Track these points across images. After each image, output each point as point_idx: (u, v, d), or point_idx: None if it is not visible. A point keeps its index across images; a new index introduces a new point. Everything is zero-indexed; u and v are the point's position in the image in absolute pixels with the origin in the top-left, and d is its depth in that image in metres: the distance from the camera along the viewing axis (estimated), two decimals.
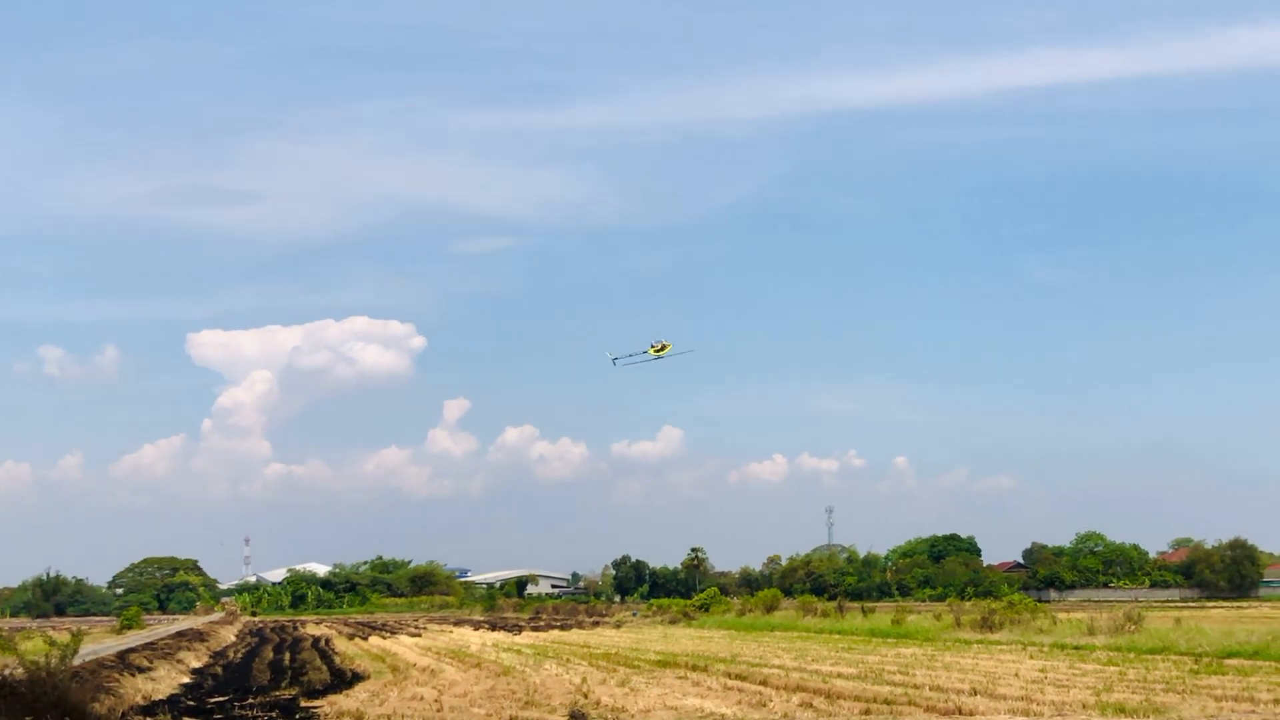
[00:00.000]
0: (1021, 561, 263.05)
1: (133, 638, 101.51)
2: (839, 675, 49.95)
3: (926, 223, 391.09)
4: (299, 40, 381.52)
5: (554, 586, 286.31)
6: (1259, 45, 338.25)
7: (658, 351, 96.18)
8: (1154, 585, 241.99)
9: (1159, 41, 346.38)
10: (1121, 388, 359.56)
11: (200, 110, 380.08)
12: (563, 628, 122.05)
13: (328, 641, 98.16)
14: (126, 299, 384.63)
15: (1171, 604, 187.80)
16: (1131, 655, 56.97)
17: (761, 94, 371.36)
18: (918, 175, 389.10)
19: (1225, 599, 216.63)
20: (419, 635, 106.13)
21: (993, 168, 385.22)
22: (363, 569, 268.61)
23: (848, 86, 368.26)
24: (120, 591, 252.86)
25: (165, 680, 57.58)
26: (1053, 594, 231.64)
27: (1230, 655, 54.28)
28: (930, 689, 43.48)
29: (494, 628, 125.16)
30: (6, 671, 35.44)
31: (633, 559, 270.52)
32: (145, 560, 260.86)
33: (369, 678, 56.35)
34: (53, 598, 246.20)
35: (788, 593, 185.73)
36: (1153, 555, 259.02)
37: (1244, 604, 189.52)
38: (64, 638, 41.98)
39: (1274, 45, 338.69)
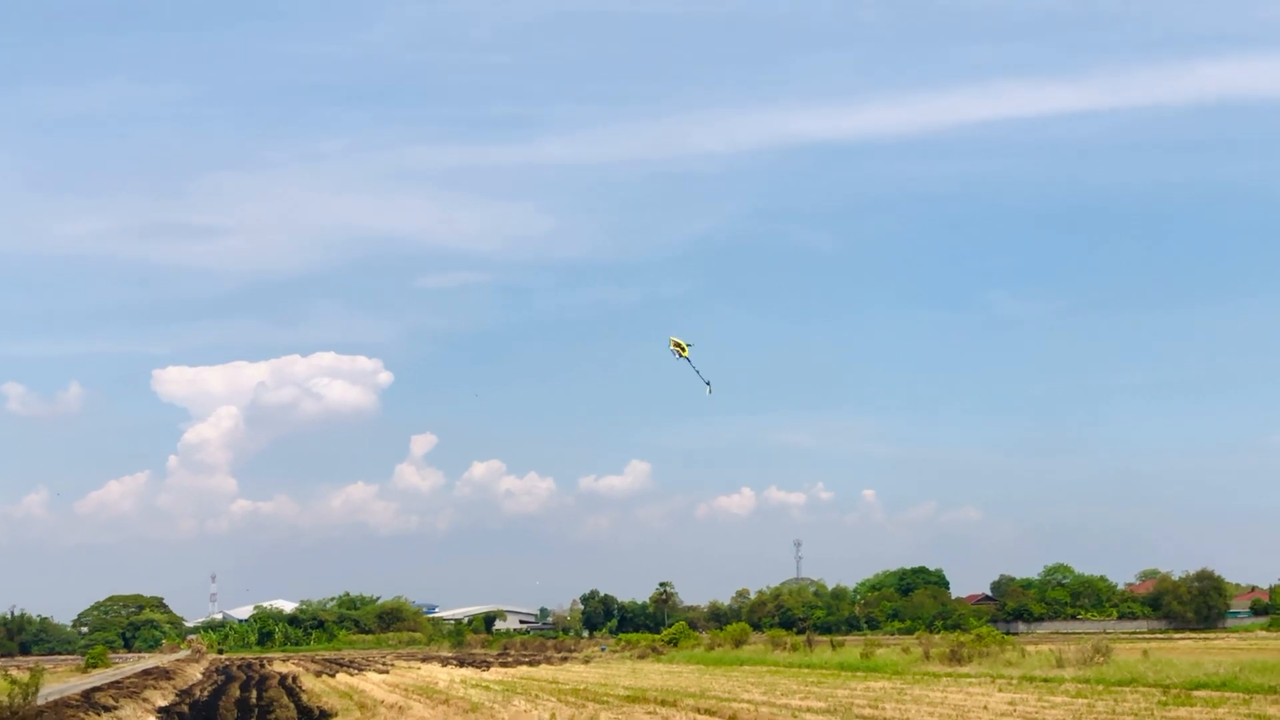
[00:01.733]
0: (990, 594, 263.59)
1: (98, 676, 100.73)
2: (808, 709, 49.85)
3: (893, 256, 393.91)
4: (263, 76, 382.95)
5: (522, 622, 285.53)
6: (1221, 79, 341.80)
7: (679, 348, 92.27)
8: (1122, 617, 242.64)
9: (1122, 75, 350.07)
10: (1088, 420, 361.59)
11: (164, 146, 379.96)
12: (531, 663, 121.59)
13: (295, 679, 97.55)
14: (91, 335, 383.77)
15: (1139, 635, 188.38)
16: (1100, 687, 57.01)
17: (728, 129, 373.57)
18: (883, 209, 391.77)
19: (1193, 630, 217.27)
20: (386, 672, 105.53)
21: (958, 201, 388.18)
22: (330, 605, 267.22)
23: (814, 121, 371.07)
24: (85, 630, 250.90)
25: (131, 719, 57.12)
26: (1021, 626, 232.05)
27: (1198, 687, 54.38)
28: None
29: (462, 664, 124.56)
30: None
31: (601, 594, 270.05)
32: (110, 598, 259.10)
33: (336, 715, 55.99)
34: (17, 636, 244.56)
35: (756, 626, 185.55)
36: (1120, 587, 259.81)
37: (1211, 635, 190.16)
38: (24, 676, 41.63)
39: (1236, 79, 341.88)
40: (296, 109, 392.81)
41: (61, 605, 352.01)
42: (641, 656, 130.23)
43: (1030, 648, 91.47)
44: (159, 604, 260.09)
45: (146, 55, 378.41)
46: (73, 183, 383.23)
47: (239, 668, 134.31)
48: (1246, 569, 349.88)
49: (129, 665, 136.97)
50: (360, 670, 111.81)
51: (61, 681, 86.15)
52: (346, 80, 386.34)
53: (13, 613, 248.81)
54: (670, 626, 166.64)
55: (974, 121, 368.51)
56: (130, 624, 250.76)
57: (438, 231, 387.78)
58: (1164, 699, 49.73)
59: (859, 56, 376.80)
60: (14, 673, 69.39)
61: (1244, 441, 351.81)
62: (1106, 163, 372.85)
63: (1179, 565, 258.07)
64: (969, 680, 66.78)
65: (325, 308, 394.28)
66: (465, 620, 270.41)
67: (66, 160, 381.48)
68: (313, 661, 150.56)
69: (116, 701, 62.58)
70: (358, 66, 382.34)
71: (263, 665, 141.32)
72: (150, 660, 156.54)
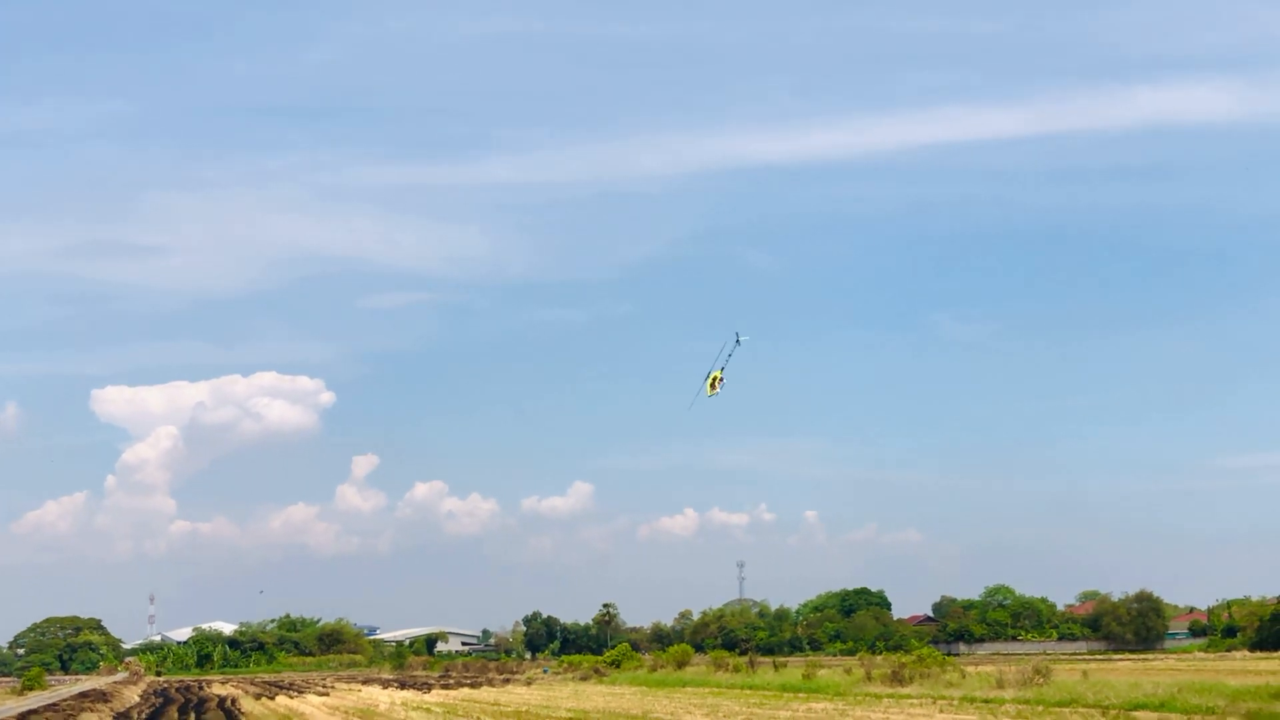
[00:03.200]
0: (931, 615, 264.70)
1: (34, 699, 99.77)
2: None
3: (836, 278, 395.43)
4: (205, 94, 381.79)
5: (464, 644, 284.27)
6: (1159, 104, 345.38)
7: (713, 386, 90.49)
8: (1062, 638, 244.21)
9: (1062, 100, 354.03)
10: (1028, 442, 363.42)
11: (105, 164, 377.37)
12: (473, 685, 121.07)
13: (234, 701, 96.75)
14: (28, 355, 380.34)
15: (1079, 656, 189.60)
16: (1040, 708, 57.28)
17: (674, 150, 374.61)
18: (828, 232, 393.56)
19: (1132, 651, 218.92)
20: (327, 694, 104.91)
21: (902, 224, 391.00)
22: (270, 627, 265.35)
23: (759, 144, 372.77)
24: (22, 652, 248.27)
25: None
26: (962, 647, 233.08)
27: (1137, 707, 54.71)
28: None
29: (403, 686, 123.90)
30: None
31: (544, 615, 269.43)
32: (47, 620, 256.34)
33: None
34: None
35: (699, 648, 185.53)
36: (1060, 608, 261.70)
37: (1150, 656, 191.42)
38: None
39: (1174, 104, 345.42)
40: (239, 128, 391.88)
41: None
42: (584, 678, 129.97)
43: (971, 669, 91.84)
44: (97, 626, 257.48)
45: (88, 73, 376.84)
46: (11, 201, 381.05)
47: (177, 690, 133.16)
48: (1185, 591, 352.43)
49: (66, 687, 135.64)
50: (300, 693, 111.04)
51: None
52: (289, 100, 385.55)
53: None
54: (613, 648, 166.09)
55: (917, 145, 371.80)
56: (67, 646, 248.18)
57: (381, 251, 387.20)
58: None
59: (802, 80, 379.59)
60: None
61: (1183, 464, 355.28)
62: (1047, 186, 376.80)
63: (1118, 587, 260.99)
64: (910, 701, 66.97)
65: (267, 328, 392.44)
66: (406, 642, 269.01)
67: (5, 178, 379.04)
68: (252, 684, 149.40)
69: None
70: (301, 86, 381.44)
71: (201, 688, 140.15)
72: (88, 682, 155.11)
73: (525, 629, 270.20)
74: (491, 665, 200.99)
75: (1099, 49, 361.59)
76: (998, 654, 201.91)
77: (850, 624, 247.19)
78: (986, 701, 62.97)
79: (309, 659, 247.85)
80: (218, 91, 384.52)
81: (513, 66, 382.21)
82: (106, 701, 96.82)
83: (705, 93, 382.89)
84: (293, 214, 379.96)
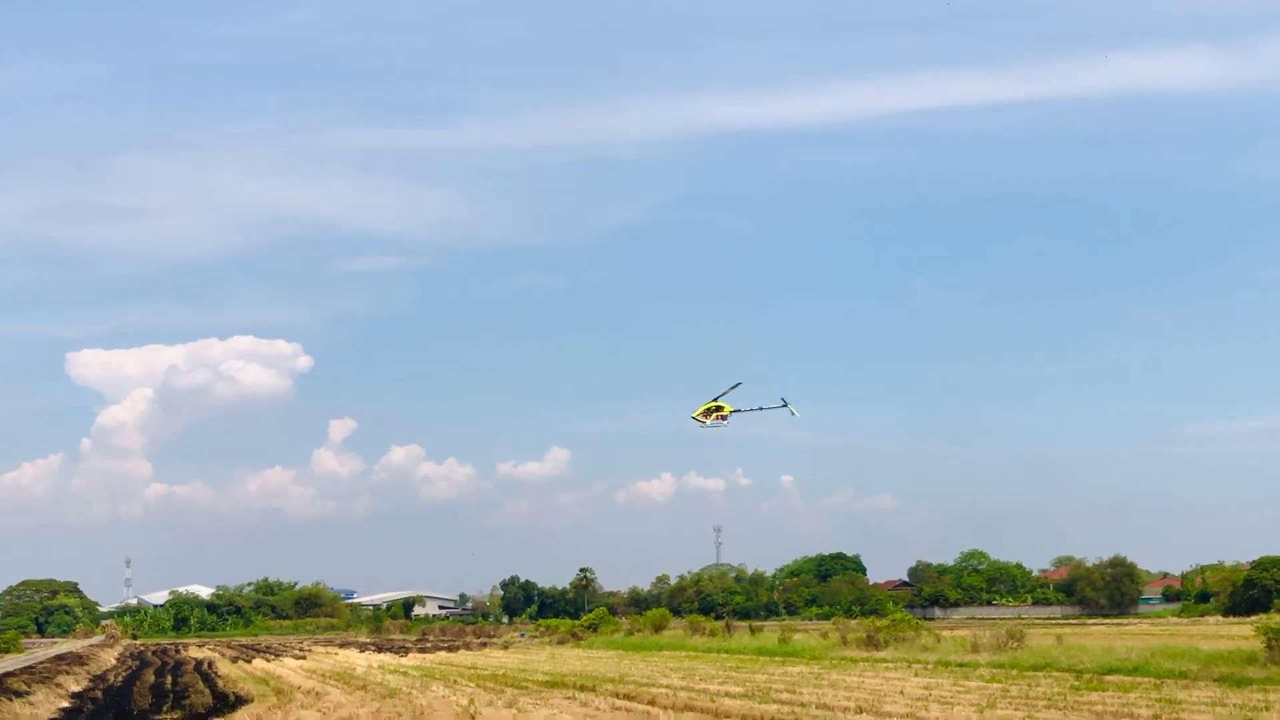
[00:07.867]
0: (906, 580, 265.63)
1: (10, 661, 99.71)
2: (726, 694, 50.06)
3: (814, 244, 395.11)
4: (180, 55, 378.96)
5: (441, 608, 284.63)
6: (1138, 71, 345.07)
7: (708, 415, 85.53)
8: (1036, 603, 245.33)
9: (1041, 66, 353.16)
10: (1003, 408, 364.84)
11: (80, 126, 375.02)
12: (450, 649, 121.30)
13: (210, 664, 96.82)
14: (2, 317, 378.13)
15: (1053, 621, 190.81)
16: (1014, 672, 57.61)
17: (651, 115, 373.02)
18: (805, 197, 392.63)
19: (1106, 616, 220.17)
20: (304, 657, 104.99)
21: (879, 190, 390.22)
22: (247, 591, 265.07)
23: (737, 109, 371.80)
24: None
25: (44, 705, 56.48)
26: (937, 612, 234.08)
27: (1110, 671, 55.06)
28: (817, 707, 43.72)
29: (380, 649, 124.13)
30: None
31: (521, 579, 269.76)
32: (23, 583, 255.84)
33: (252, 701, 55.61)
34: None
35: (676, 612, 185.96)
36: (1035, 573, 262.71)
37: (1124, 621, 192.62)
38: None
39: (1153, 71, 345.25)
40: (215, 90, 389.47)
41: None
42: (561, 642, 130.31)
43: (946, 633, 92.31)
44: (73, 589, 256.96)
45: (62, 34, 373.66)
46: None
47: (154, 653, 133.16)
48: (1159, 556, 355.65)
49: (42, 650, 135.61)
50: (277, 656, 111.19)
51: None
52: (266, 61, 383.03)
53: None
54: (590, 612, 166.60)
55: (895, 111, 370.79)
56: (44, 609, 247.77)
57: (358, 215, 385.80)
58: (1077, 684, 50.33)
59: (781, 45, 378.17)
60: None
61: (1158, 430, 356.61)
62: (1024, 153, 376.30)
63: (1093, 552, 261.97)
64: (885, 665, 67.32)
65: (243, 291, 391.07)
66: (384, 606, 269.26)
67: None
68: (229, 647, 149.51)
69: (29, 686, 61.93)
70: (277, 47, 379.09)
71: (178, 651, 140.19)
72: (64, 645, 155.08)
73: (503, 593, 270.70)
74: (469, 629, 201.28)
75: (1078, 15, 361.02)
76: (972, 618, 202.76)
77: (826, 589, 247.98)
78: (961, 665, 63.32)
79: (286, 622, 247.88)
80: (193, 53, 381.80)
81: (491, 29, 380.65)
82: (83, 664, 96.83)
83: (685, 57, 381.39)
84: (269, 176, 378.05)
